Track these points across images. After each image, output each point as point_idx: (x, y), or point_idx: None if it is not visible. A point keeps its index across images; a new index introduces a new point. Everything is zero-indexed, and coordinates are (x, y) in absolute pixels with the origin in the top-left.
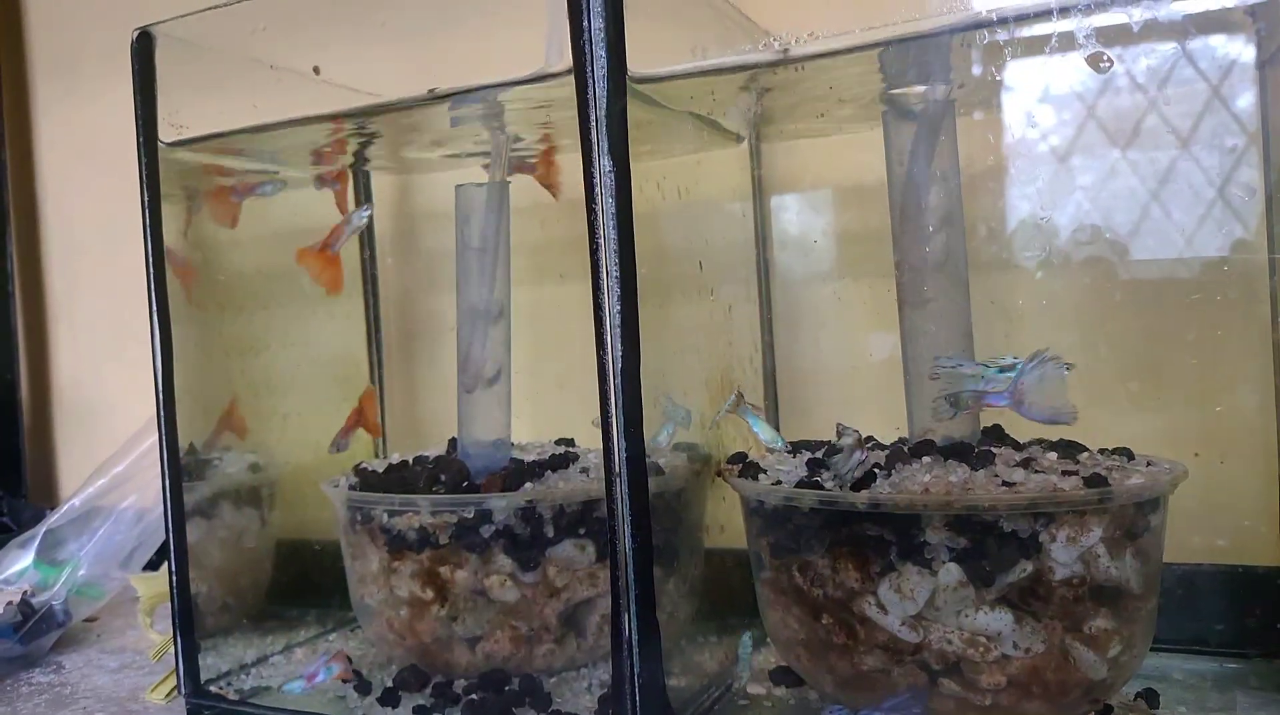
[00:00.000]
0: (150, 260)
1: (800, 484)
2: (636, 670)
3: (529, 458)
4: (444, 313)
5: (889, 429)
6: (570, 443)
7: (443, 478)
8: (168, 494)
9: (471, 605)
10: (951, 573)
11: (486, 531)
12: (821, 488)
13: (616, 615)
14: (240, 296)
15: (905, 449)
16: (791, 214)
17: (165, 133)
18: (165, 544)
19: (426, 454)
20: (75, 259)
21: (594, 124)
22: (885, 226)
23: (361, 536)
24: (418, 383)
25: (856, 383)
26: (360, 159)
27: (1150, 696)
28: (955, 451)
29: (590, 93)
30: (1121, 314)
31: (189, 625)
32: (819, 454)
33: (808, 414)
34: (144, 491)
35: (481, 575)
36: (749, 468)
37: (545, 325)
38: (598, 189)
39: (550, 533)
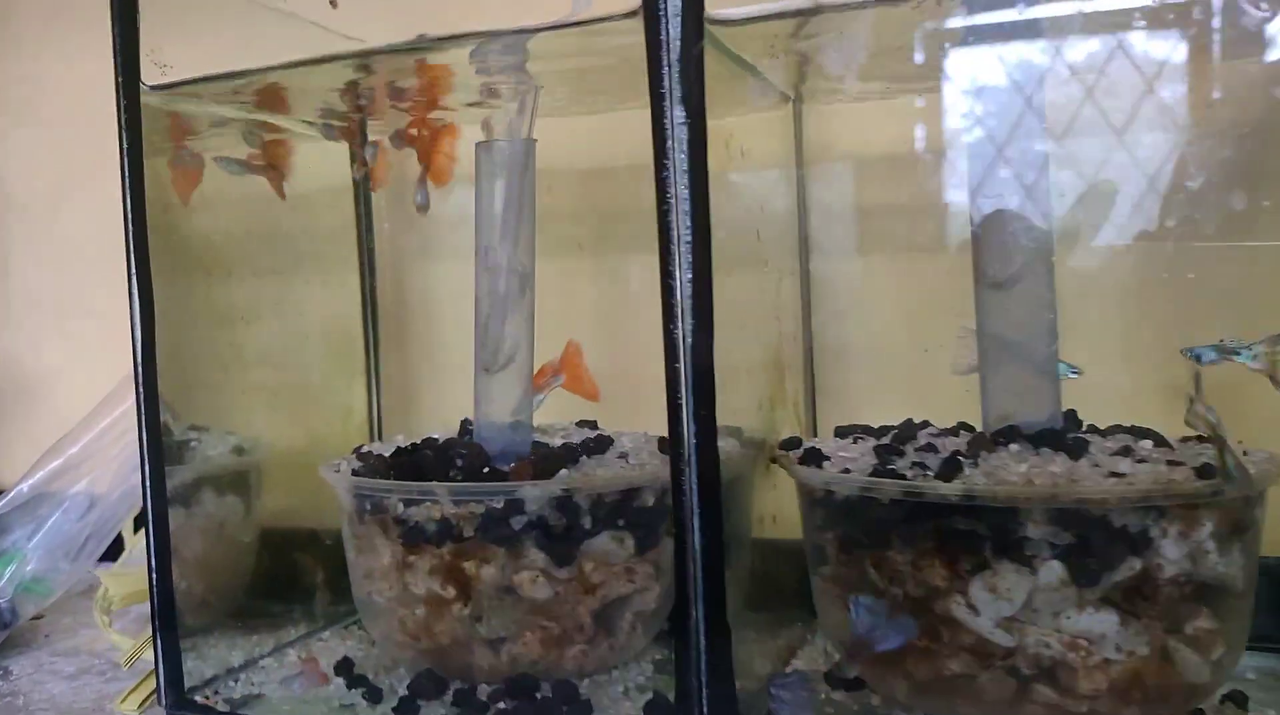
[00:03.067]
0: (130, 215)
1: (875, 473)
2: (704, 680)
3: (553, 441)
4: (441, 283)
5: (930, 413)
6: (593, 425)
7: (459, 462)
8: (148, 480)
9: (498, 604)
10: (1053, 571)
11: (517, 523)
12: (899, 477)
13: (683, 619)
14: (229, 259)
15: (987, 435)
16: (831, 182)
17: (149, 73)
18: (140, 535)
19: (435, 436)
20: (9, 225)
21: (666, 69)
22: (924, 198)
23: (370, 528)
24: (412, 359)
25: (894, 364)
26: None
27: (1239, 699)
28: (1044, 438)
29: (662, 32)
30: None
31: (171, 625)
32: (886, 440)
33: (841, 397)
34: (98, 476)
35: (510, 571)
36: (810, 455)
37: (558, 300)
38: (670, 143)
39: (588, 524)
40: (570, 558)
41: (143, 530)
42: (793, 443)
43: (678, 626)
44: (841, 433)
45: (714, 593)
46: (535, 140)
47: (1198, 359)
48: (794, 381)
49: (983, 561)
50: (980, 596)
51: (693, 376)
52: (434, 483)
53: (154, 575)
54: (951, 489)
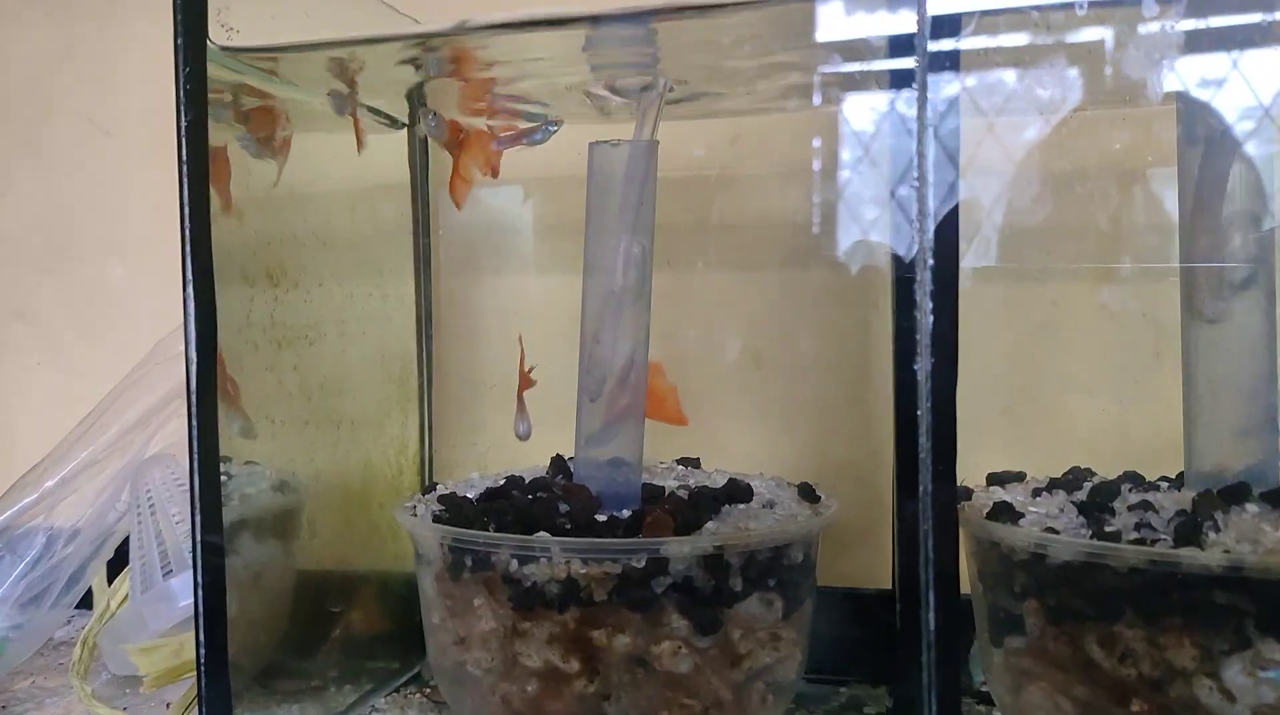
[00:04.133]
0: (188, 209)
1: (1099, 536)
2: None
3: (663, 482)
4: (487, 298)
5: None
6: (695, 462)
7: (563, 509)
8: (199, 525)
9: (629, 678)
10: None
11: (659, 585)
12: (1114, 539)
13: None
14: (294, 268)
15: (1214, 493)
16: None
17: (215, 33)
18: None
19: (520, 475)
20: None
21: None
22: None
23: (469, 587)
24: (453, 383)
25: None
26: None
27: None
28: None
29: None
30: None
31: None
32: (1078, 495)
33: None
34: (54, 510)
35: (648, 641)
36: (1002, 510)
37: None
38: (923, 142)
39: (738, 586)
40: (716, 624)
41: (121, 583)
42: (965, 493)
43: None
44: (996, 480)
45: (949, 682)
46: (658, 142)
47: None
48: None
49: (1244, 640)
50: (1236, 680)
51: (933, 419)
52: (563, 538)
53: (204, 650)
54: (1215, 559)
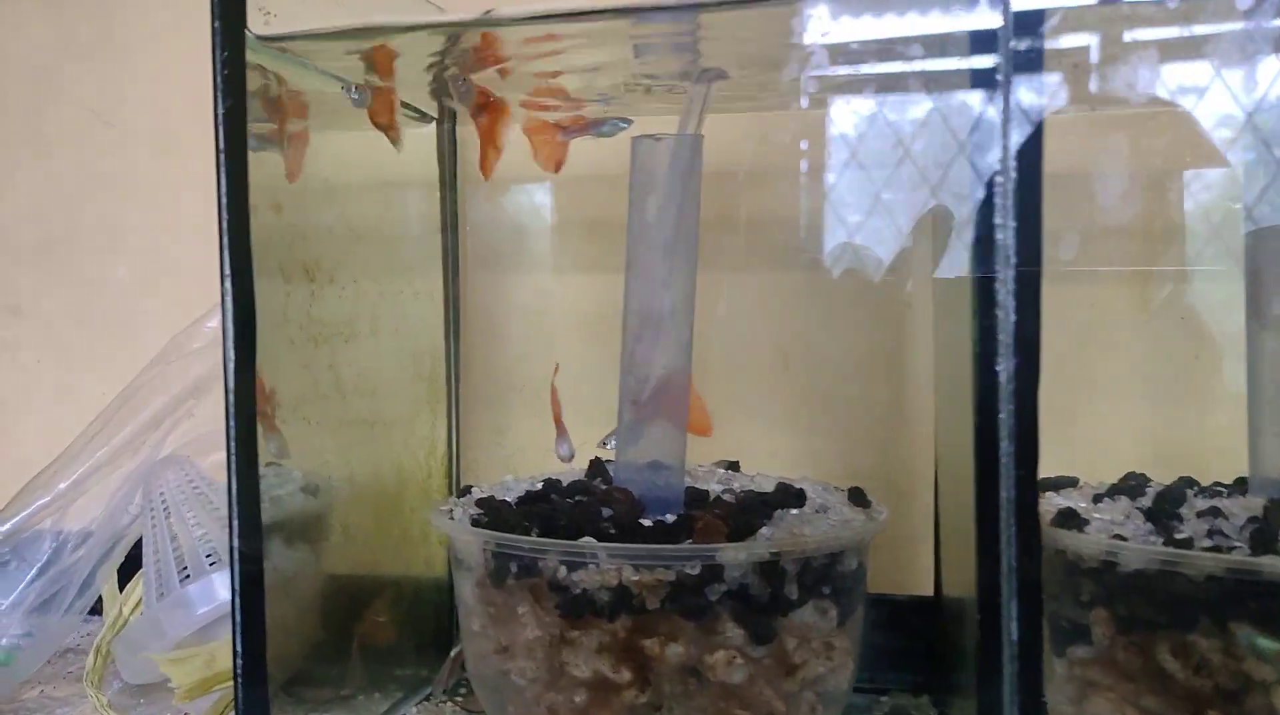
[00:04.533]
0: (226, 201)
1: (1173, 542)
2: None
3: (706, 486)
4: (508, 296)
5: None
6: (735, 466)
7: (605, 513)
8: (236, 531)
9: (681, 689)
10: None
11: (713, 592)
12: (1186, 546)
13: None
14: (330, 263)
15: None
16: None
17: (252, 18)
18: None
19: (557, 478)
20: None
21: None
22: None
23: (514, 594)
24: (476, 382)
25: None
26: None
27: None
28: None
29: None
30: None
31: None
32: (1142, 501)
33: None
34: (65, 513)
35: (701, 650)
36: (1068, 517)
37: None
38: (1005, 139)
39: (794, 593)
40: (771, 633)
41: (133, 589)
42: None
43: None
44: (1049, 485)
45: (1031, 694)
46: (703, 137)
47: None
48: None
49: None
50: None
51: (1016, 420)
52: (616, 544)
53: (241, 660)
54: None
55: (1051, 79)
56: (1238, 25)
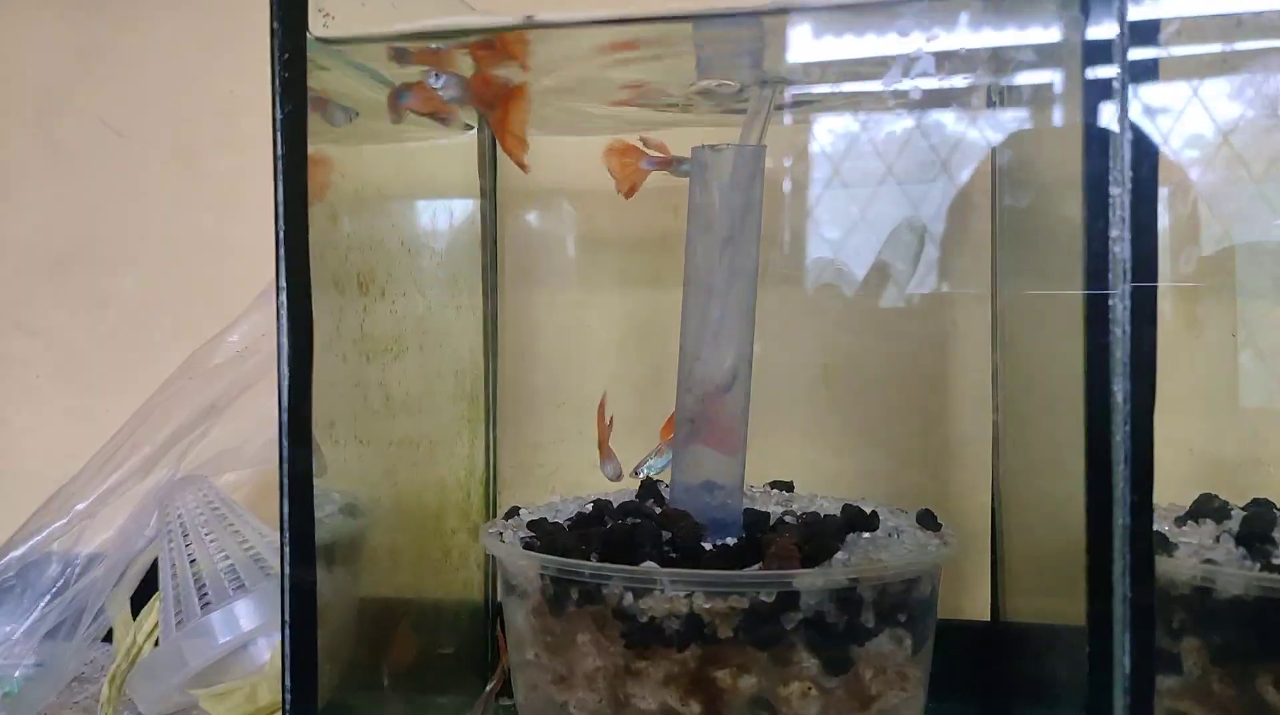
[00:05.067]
0: (283, 210)
1: (1271, 567)
2: None
3: (765, 508)
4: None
5: None
6: (788, 487)
7: (666, 536)
8: (288, 558)
9: None
10: None
11: (788, 621)
12: (1271, 566)
13: None
14: (382, 276)
15: None
16: None
17: (314, 23)
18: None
19: (607, 498)
20: None
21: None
22: None
23: (575, 621)
24: (525, 399)
25: None
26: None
27: None
28: None
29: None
30: None
31: None
32: (1228, 525)
33: None
34: (67, 538)
35: (775, 681)
36: (1157, 541)
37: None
38: (1120, 150)
39: (870, 621)
40: (848, 663)
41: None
42: None
43: None
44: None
45: None
46: (765, 146)
47: None
48: None
49: None
50: None
51: (1131, 445)
52: (689, 570)
53: (291, 693)
54: None
55: (1168, 90)
56: None
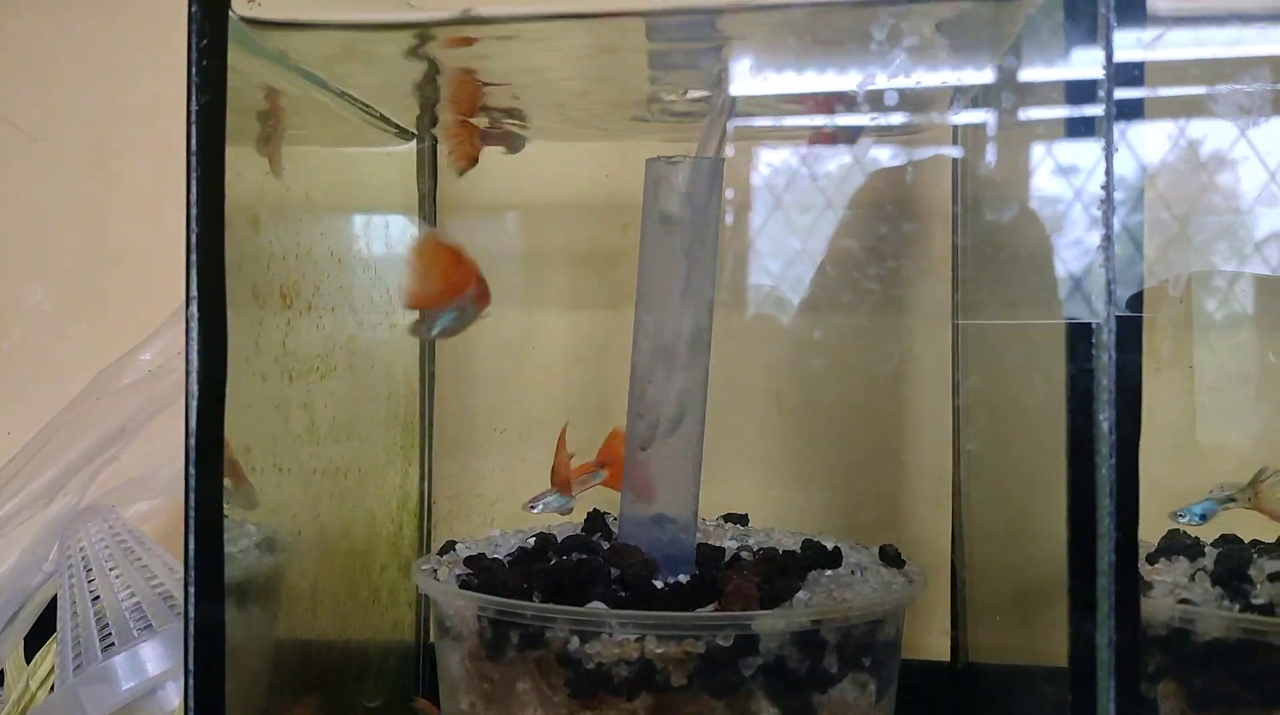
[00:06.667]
0: (197, 211)
1: (1251, 608)
2: None
3: (721, 543)
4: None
5: None
6: (743, 519)
7: (615, 574)
8: (192, 597)
9: None
10: None
11: (747, 666)
12: (1267, 612)
13: None
14: (308, 289)
15: None
16: None
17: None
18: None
19: (550, 532)
20: None
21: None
22: None
23: (515, 667)
24: (462, 426)
25: None
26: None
27: None
28: None
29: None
30: None
31: None
32: (1202, 562)
33: None
34: None
35: None
36: None
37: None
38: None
39: (834, 667)
40: (809, 713)
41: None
42: None
43: None
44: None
45: None
46: (724, 159)
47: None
48: None
49: None
50: None
51: (1116, 477)
52: (635, 611)
53: None
54: None
55: (1152, 126)
56: None
